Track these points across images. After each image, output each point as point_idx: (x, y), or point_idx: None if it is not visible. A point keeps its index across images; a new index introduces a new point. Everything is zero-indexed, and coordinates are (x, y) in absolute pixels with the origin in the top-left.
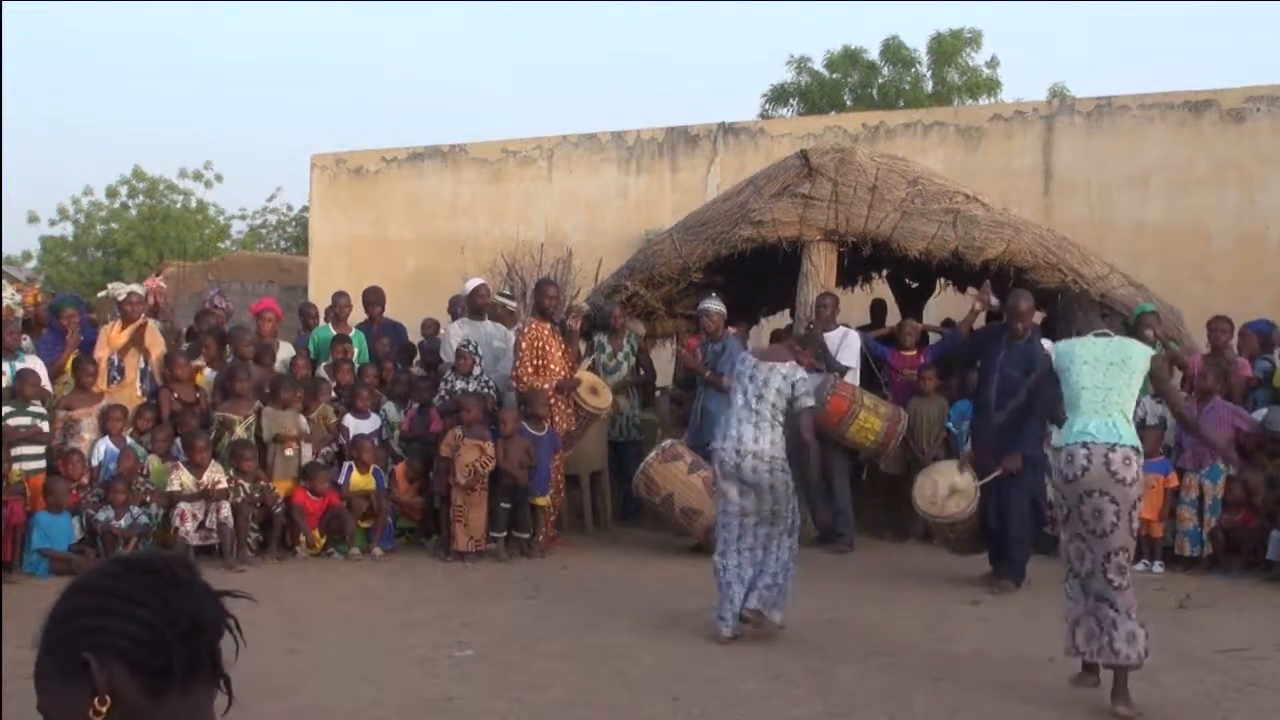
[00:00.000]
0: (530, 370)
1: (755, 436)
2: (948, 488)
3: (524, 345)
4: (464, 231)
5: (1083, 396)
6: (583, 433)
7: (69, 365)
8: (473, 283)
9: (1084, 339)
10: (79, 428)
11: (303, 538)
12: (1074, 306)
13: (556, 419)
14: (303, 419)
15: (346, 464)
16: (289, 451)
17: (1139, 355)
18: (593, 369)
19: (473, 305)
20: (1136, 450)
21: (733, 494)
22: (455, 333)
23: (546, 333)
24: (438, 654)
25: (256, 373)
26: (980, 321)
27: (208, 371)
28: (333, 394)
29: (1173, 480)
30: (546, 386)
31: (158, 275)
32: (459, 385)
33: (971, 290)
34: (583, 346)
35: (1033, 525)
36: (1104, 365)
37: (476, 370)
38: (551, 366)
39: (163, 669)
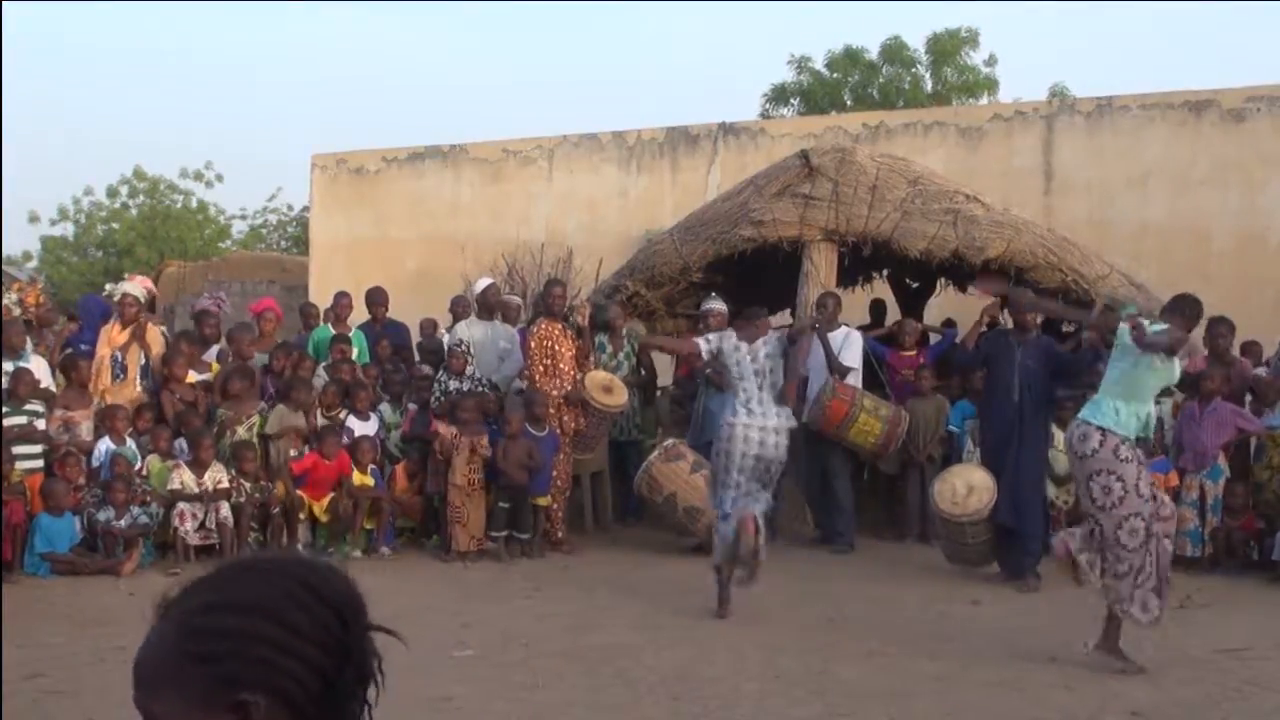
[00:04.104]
0: (541, 370)
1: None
2: (965, 487)
3: (534, 345)
4: (464, 231)
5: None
6: (599, 432)
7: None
8: (483, 282)
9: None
10: (78, 430)
11: (302, 536)
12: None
13: (566, 419)
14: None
15: None
16: (294, 452)
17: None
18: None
19: (483, 304)
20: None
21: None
22: (461, 332)
23: (557, 333)
24: (438, 654)
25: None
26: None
27: (192, 372)
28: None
29: (1173, 479)
30: (555, 392)
31: (156, 276)
32: (452, 385)
33: (972, 290)
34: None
35: (1044, 522)
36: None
37: (469, 369)
38: (562, 366)
39: None
